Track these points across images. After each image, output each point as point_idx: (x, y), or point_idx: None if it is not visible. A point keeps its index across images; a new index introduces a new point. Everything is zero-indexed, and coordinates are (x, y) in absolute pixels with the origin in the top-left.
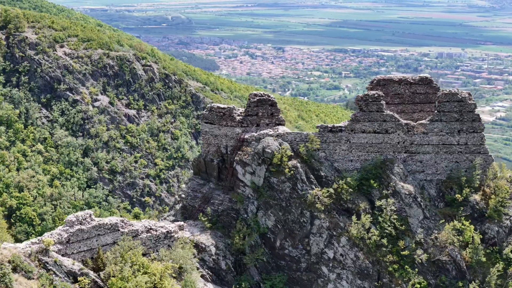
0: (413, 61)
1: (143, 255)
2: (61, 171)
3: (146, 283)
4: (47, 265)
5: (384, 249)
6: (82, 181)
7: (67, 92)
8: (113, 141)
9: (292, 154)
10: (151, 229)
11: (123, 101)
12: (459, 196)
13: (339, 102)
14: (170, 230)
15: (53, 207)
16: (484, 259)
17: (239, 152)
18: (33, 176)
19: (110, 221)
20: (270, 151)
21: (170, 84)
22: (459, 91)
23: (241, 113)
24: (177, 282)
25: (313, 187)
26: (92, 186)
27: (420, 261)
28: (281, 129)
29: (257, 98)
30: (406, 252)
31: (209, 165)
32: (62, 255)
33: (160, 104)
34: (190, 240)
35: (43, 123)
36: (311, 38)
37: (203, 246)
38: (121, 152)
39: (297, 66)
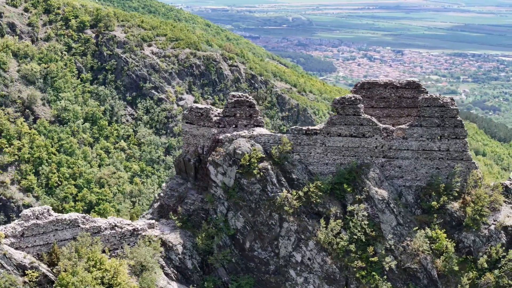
0: None
1: (108, 251)
2: (142, 169)
3: (96, 278)
4: None
5: (353, 254)
6: (162, 179)
7: (152, 91)
8: None
9: (264, 156)
10: (115, 226)
11: (208, 101)
12: (435, 203)
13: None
14: (137, 228)
15: (132, 204)
16: (457, 268)
17: (212, 153)
18: (114, 173)
19: (69, 217)
20: (240, 152)
21: (256, 84)
22: (441, 96)
23: (218, 113)
24: (136, 280)
25: (284, 189)
26: None
27: (389, 268)
28: (258, 131)
29: (235, 99)
30: (375, 259)
31: (187, 164)
32: (16, 249)
33: None
34: (158, 239)
35: (127, 121)
36: (431, 41)
37: (170, 244)
38: None
39: (415, 69)
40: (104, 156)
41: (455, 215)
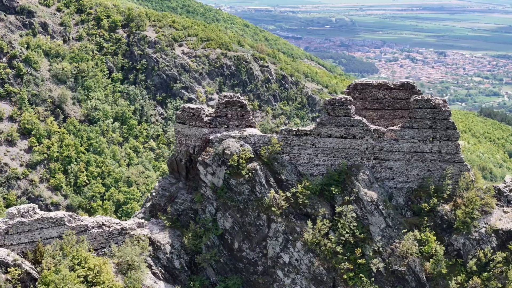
0: None
1: (95, 250)
2: None
3: (79, 277)
4: None
5: (340, 256)
6: None
7: (183, 91)
8: None
9: (254, 156)
10: (103, 224)
11: None
12: (425, 205)
13: (497, 108)
14: (125, 227)
15: None
16: (445, 271)
17: (202, 153)
18: (143, 172)
19: (55, 215)
20: (229, 153)
21: (287, 85)
22: (433, 97)
23: (210, 114)
24: (123, 279)
25: (272, 190)
26: None
27: (376, 270)
28: (248, 131)
29: (226, 99)
30: (362, 261)
31: (179, 164)
32: (0, 246)
33: (275, 105)
34: (147, 238)
35: (156, 120)
36: (474, 43)
37: (159, 244)
38: None
39: (458, 71)
40: (133, 156)
41: (446, 217)
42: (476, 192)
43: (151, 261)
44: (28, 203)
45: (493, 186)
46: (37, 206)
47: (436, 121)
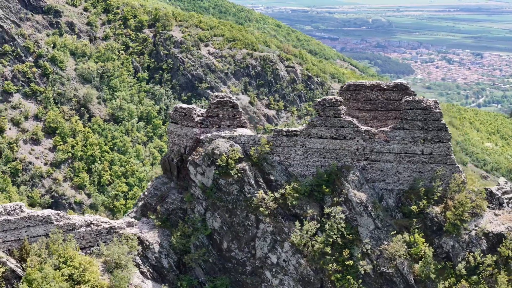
0: None
1: (83, 248)
2: None
3: (64, 275)
4: None
5: (328, 257)
6: None
7: (208, 91)
8: None
9: (243, 156)
10: (91, 223)
11: (263, 101)
12: (415, 207)
13: None
14: (114, 226)
15: None
16: (434, 274)
17: (193, 153)
18: None
19: (42, 214)
20: (218, 153)
21: (312, 86)
22: (424, 98)
23: (202, 114)
24: (109, 277)
25: (261, 190)
26: None
27: (364, 272)
28: (239, 131)
29: (218, 99)
30: (350, 262)
31: (171, 164)
32: None
33: (300, 105)
34: (136, 237)
35: None
36: None
37: (147, 243)
38: None
39: (494, 72)
40: (157, 155)
41: (436, 219)
42: (467, 194)
43: (140, 260)
44: (52, 201)
45: (485, 188)
46: (24, 204)
47: (428, 122)
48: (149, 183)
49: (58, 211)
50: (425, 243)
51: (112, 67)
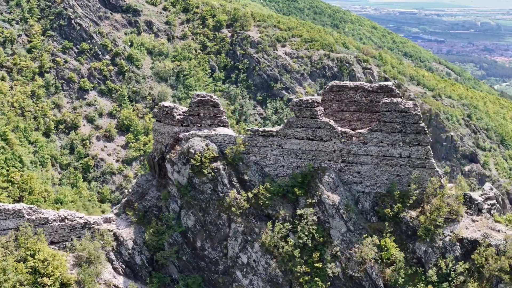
0: None
1: (56, 243)
2: None
3: (28, 267)
4: None
5: (298, 259)
6: None
7: (283, 91)
8: None
9: (218, 155)
10: (66, 218)
11: None
12: (388, 211)
13: None
14: (89, 222)
15: None
16: (403, 280)
17: (171, 151)
18: None
19: (13, 207)
20: (193, 151)
21: None
22: (403, 101)
23: (183, 112)
24: (77, 271)
25: (234, 190)
26: None
27: (334, 274)
28: (219, 131)
29: (199, 98)
30: (319, 265)
31: (153, 162)
32: None
33: None
34: (112, 233)
35: (255, 120)
36: None
37: (122, 239)
38: None
39: None
40: None
41: (411, 224)
42: (444, 199)
43: (113, 256)
44: (121, 198)
45: (463, 193)
46: None
47: (406, 125)
48: (134, 180)
49: (31, 205)
50: (396, 248)
51: (188, 66)
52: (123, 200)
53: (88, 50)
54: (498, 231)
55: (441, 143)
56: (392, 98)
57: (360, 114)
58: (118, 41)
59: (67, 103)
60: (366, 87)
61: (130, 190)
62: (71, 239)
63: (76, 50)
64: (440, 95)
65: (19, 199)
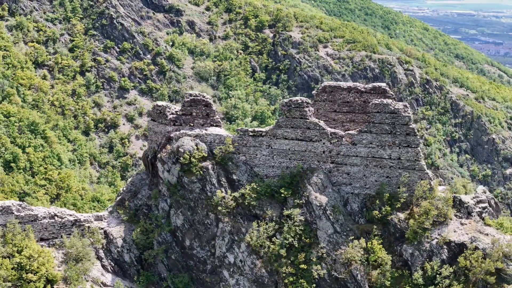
0: None
1: (46, 239)
2: None
3: (13, 263)
4: None
5: (284, 260)
6: None
7: None
8: None
9: (208, 155)
10: (55, 215)
11: None
12: (376, 213)
13: None
14: (80, 219)
15: None
16: (389, 282)
17: (162, 150)
18: None
19: (2, 204)
20: (183, 151)
21: (430, 89)
22: (392, 102)
23: (176, 112)
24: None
25: (223, 190)
26: None
27: (319, 276)
28: (211, 130)
29: (191, 98)
30: (304, 266)
31: (147, 161)
32: None
33: (417, 109)
34: (102, 231)
35: None
36: None
37: (111, 237)
38: None
39: None
40: None
41: (399, 226)
42: (432, 202)
43: (103, 254)
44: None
45: (453, 196)
46: None
47: (396, 126)
48: (129, 179)
49: (21, 202)
50: (383, 250)
51: (229, 66)
52: (117, 198)
53: (130, 50)
54: (487, 234)
55: (482, 145)
56: (382, 99)
57: (353, 115)
58: (160, 40)
59: (107, 102)
60: (359, 87)
61: (124, 188)
62: (61, 236)
63: (118, 50)
64: (483, 98)
65: (56, 197)
